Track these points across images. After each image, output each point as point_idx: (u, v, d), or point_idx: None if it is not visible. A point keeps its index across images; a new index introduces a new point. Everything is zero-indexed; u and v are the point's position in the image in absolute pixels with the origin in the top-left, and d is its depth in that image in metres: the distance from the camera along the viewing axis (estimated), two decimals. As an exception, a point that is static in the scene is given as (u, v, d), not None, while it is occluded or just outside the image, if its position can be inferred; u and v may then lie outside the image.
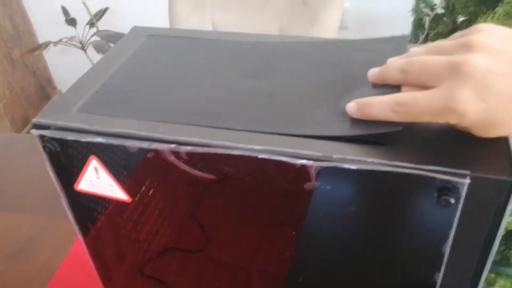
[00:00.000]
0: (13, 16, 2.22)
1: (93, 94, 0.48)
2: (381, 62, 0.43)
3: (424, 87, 0.37)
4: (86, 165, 0.47)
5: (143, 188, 0.57)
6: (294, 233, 0.47)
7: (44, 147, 0.45)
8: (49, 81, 2.54)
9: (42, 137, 0.45)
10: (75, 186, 0.48)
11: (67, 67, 2.13)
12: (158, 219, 0.61)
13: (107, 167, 0.47)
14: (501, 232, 0.36)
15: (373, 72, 0.42)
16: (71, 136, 0.43)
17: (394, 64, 0.40)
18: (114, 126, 0.42)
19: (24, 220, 0.87)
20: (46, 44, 2.00)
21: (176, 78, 0.49)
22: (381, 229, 0.41)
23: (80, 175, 0.47)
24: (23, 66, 2.31)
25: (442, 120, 0.35)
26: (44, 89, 2.49)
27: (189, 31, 0.60)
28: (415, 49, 0.41)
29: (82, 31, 2.05)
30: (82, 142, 0.43)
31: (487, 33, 0.36)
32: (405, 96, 0.37)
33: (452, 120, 0.35)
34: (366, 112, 0.39)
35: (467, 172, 0.34)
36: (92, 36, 2.04)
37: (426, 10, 1.29)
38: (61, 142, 0.45)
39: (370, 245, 0.43)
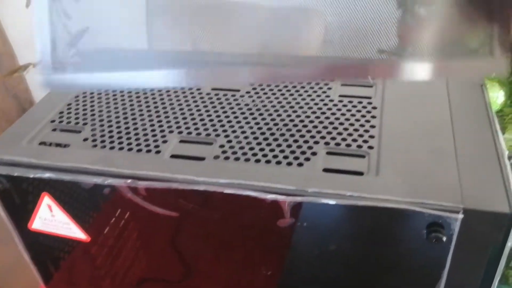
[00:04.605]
0: (-8, 38, 2.17)
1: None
2: None
3: None
4: (38, 202, 0.42)
5: (113, 220, 0.52)
6: (271, 272, 0.43)
7: (-9, 184, 0.41)
8: (31, 103, 2.48)
9: (-12, 173, 0.40)
10: (29, 225, 0.44)
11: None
12: (132, 251, 0.57)
13: (64, 204, 0.42)
14: (500, 270, 0.32)
15: None
16: (17, 172, 0.39)
17: None
18: (65, 160, 0.38)
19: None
20: (26, 66, 1.95)
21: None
22: (365, 268, 0.37)
23: (34, 213, 0.43)
24: (3, 89, 2.26)
25: None
26: (26, 111, 2.44)
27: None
28: None
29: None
30: (34, 178, 0.39)
31: None
32: None
33: None
34: None
35: (459, 205, 0.30)
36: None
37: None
38: (10, 178, 0.40)
39: (354, 285, 0.38)
